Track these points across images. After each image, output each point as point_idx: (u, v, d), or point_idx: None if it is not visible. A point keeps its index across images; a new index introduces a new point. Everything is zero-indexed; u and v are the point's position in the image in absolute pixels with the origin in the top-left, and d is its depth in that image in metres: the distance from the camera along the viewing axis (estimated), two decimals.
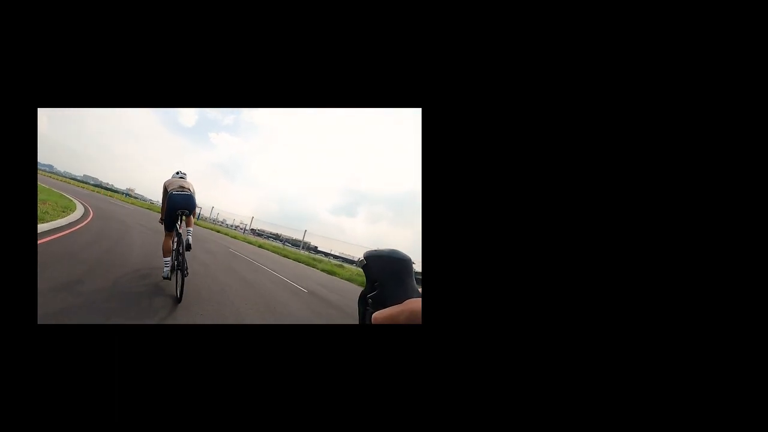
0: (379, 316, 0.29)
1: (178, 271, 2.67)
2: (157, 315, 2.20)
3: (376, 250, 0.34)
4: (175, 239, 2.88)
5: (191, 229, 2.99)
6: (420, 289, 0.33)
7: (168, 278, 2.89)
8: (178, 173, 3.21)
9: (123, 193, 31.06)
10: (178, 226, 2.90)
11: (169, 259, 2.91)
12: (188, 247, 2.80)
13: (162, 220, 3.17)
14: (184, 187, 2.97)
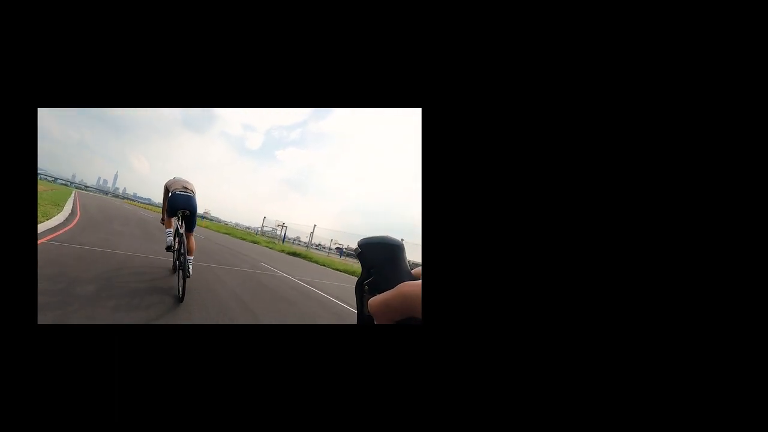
0: (373, 302, 0.29)
1: (180, 272, 2.72)
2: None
3: (369, 238, 0.35)
4: (177, 239, 2.93)
5: (191, 258, 2.94)
6: (413, 271, 0.33)
7: (170, 249, 3.05)
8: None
9: (200, 217, 33.74)
10: (179, 227, 2.96)
11: (171, 230, 3.05)
12: (188, 274, 2.72)
13: (163, 221, 3.24)
14: (186, 188, 3.04)
